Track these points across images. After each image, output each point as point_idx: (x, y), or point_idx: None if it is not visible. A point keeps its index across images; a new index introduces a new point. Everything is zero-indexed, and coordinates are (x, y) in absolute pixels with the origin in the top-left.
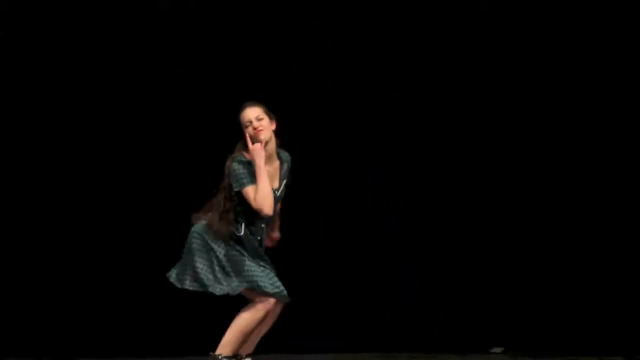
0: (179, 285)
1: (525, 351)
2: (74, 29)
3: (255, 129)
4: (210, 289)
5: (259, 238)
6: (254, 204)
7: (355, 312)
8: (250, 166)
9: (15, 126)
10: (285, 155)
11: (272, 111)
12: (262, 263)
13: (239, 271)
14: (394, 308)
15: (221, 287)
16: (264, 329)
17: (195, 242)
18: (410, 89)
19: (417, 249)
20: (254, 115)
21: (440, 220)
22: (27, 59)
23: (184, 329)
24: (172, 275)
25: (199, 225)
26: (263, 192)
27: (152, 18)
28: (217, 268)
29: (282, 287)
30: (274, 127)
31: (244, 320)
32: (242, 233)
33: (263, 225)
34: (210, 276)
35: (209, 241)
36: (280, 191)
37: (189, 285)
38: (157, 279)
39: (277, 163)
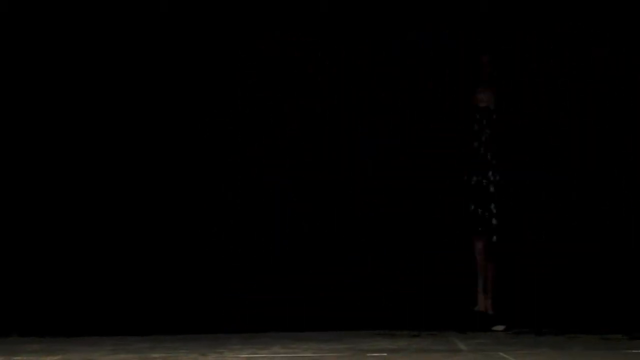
0: None
1: (527, 329)
2: (74, 31)
3: None
4: None
5: None
6: None
7: (358, 290)
8: None
9: (15, 125)
10: None
11: (273, 113)
12: None
13: None
14: (396, 286)
15: None
16: None
17: None
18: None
19: (416, 229)
20: None
21: (438, 200)
22: (27, 60)
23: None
24: None
25: None
26: None
27: (152, 20)
28: None
29: None
30: None
31: None
32: None
33: None
34: None
35: None
36: None
37: None
38: (163, 256)
39: None
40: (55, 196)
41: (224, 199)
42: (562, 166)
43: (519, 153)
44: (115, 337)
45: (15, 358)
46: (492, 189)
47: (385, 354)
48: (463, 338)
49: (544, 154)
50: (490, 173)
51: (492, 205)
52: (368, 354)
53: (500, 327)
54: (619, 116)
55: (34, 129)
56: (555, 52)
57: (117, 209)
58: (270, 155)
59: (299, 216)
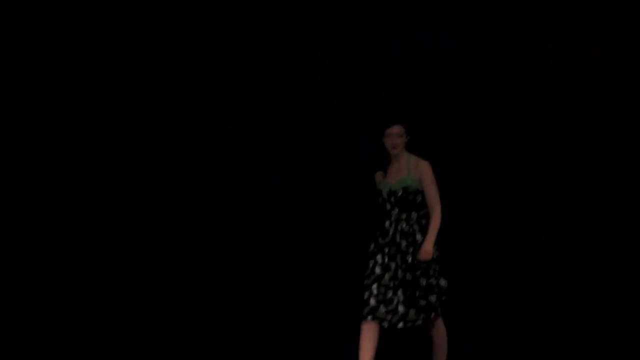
0: None
1: None
2: (74, 31)
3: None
4: None
5: None
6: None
7: (358, 290)
8: None
9: (15, 126)
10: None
11: (273, 113)
12: None
13: None
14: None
15: None
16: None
17: None
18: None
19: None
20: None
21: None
22: (27, 60)
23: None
24: None
25: None
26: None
27: (152, 20)
28: None
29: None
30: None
31: None
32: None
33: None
34: None
35: None
36: None
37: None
38: (162, 256)
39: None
40: (41, 205)
41: (224, 199)
42: (562, 166)
43: (519, 153)
44: None
45: None
46: (393, 273)
47: None
48: None
49: (544, 154)
50: (398, 256)
51: (408, 275)
52: None
53: None
54: (619, 116)
55: (33, 129)
56: (555, 52)
57: (114, 210)
58: (270, 155)
59: (299, 216)
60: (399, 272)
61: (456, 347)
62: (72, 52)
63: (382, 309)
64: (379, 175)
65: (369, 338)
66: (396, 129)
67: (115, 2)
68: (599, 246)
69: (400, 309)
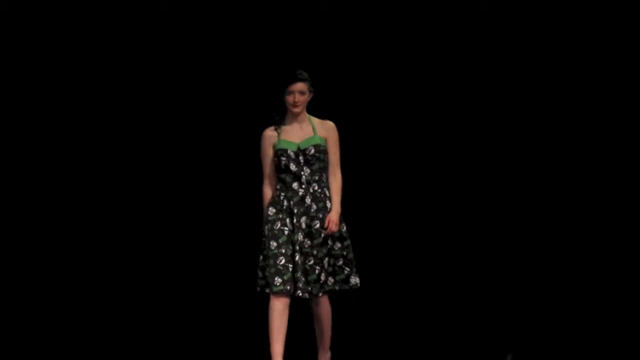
0: None
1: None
2: (74, 30)
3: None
4: None
5: None
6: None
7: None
8: None
9: (15, 126)
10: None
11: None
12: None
13: None
14: (398, 320)
15: None
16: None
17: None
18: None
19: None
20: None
21: (438, 200)
22: (26, 60)
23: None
24: None
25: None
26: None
27: (152, 20)
28: None
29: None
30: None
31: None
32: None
33: None
34: None
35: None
36: None
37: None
38: (162, 256)
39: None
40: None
41: (224, 199)
42: (562, 166)
43: (519, 153)
44: None
45: None
46: (300, 237)
47: None
48: None
49: (544, 154)
50: (303, 219)
51: (298, 257)
52: None
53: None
54: (619, 116)
55: (33, 129)
56: (555, 52)
57: (114, 209)
58: None
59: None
60: (302, 238)
61: (456, 347)
62: (72, 52)
63: (277, 279)
64: (271, 134)
65: (283, 313)
66: (299, 86)
67: (115, 2)
68: (599, 246)
69: (299, 277)
